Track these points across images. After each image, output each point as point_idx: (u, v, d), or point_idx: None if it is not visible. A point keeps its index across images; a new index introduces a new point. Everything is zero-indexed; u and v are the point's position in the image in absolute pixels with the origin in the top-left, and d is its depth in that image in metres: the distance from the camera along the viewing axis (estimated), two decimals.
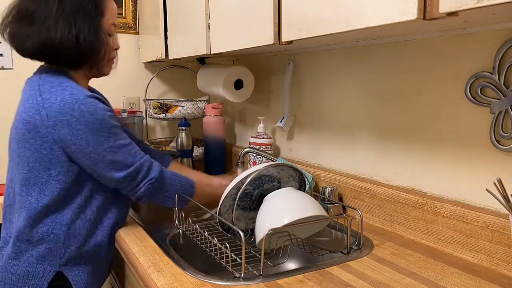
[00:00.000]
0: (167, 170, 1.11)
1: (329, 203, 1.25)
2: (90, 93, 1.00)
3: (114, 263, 1.28)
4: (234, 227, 0.90)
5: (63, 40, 0.99)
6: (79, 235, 1.03)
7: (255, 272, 0.87)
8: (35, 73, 1.07)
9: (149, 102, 1.90)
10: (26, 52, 1.03)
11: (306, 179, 1.06)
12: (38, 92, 0.99)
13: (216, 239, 0.95)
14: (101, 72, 1.13)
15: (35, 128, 0.97)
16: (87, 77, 1.13)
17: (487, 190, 0.79)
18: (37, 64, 1.10)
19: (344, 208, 1.26)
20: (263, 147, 1.53)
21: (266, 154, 1.41)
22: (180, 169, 1.24)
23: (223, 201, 1.00)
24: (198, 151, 1.99)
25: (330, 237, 1.14)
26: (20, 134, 0.99)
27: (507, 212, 0.87)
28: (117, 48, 1.14)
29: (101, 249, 1.08)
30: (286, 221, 0.90)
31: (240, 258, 0.87)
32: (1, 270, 1.02)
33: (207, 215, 1.34)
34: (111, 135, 1.00)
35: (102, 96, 1.14)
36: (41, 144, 0.98)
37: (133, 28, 1.96)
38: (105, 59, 1.10)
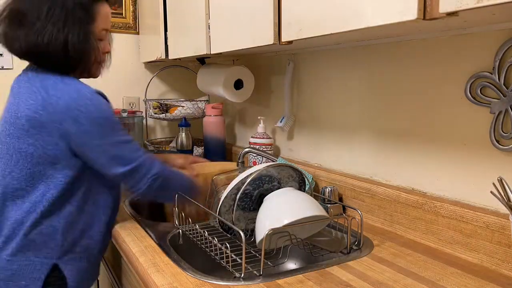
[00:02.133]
0: (168, 167, 1.12)
1: (329, 203, 1.25)
2: (95, 90, 1.02)
3: (108, 262, 1.28)
4: (235, 227, 0.90)
5: (50, 45, 0.99)
6: (76, 229, 1.04)
7: (255, 272, 0.87)
8: (26, 71, 1.07)
9: (149, 102, 1.90)
10: (15, 53, 1.04)
11: (306, 179, 1.06)
12: (42, 88, 0.99)
13: (216, 239, 0.95)
14: (91, 75, 1.13)
15: (41, 124, 0.97)
16: (77, 78, 1.10)
17: (491, 192, 0.79)
18: None
19: (344, 208, 1.26)
20: (263, 147, 1.53)
21: (266, 154, 1.41)
22: None
23: (223, 201, 1.00)
24: (198, 151, 1.99)
25: (330, 237, 1.14)
26: (22, 131, 0.99)
27: (507, 212, 0.87)
28: (107, 52, 1.14)
29: (95, 246, 1.08)
30: (286, 221, 0.90)
31: (240, 258, 0.87)
32: None
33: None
34: (115, 131, 1.02)
35: (104, 94, 1.15)
36: (47, 140, 0.98)
37: (133, 28, 1.95)
38: (95, 63, 1.10)
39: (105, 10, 1.08)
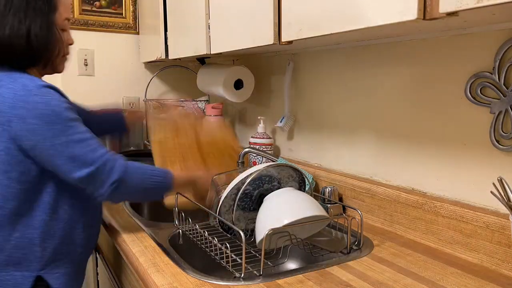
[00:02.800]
0: (133, 165, 1.00)
1: (329, 203, 1.25)
2: (44, 83, 0.93)
3: (108, 262, 1.28)
4: (235, 227, 0.90)
5: (12, 37, 0.93)
6: (54, 237, 0.98)
7: (255, 272, 0.87)
8: None
9: (149, 102, 1.90)
10: None
11: (306, 179, 1.06)
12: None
13: (216, 239, 0.95)
14: (55, 69, 1.05)
15: None
16: (40, 75, 1.05)
17: (491, 192, 0.79)
18: None
19: (344, 208, 1.26)
20: (263, 147, 1.53)
21: (266, 154, 1.41)
22: None
23: (223, 201, 1.00)
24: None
25: (330, 237, 1.14)
26: None
27: (507, 212, 0.87)
28: (71, 44, 1.07)
29: (78, 249, 1.03)
30: (286, 221, 0.90)
31: (240, 258, 0.87)
32: None
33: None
34: (68, 128, 0.91)
35: (58, 88, 1.01)
36: None
37: (133, 28, 1.95)
38: (59, 56, 1.03)
39: (65, 1, 1.02)
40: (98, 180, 0.94)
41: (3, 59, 0.96)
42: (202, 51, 1.36)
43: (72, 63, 1.80)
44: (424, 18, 0.69)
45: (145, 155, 1.59)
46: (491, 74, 0.90)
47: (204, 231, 1.01)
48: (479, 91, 0.93)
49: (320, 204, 1.05)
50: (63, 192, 0.98)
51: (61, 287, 1.00)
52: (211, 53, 1.31)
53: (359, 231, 1.02)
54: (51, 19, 0.98)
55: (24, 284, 0.95)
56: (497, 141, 0.90)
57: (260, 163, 1.53)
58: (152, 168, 1.05)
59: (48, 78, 1.04)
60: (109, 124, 1.31)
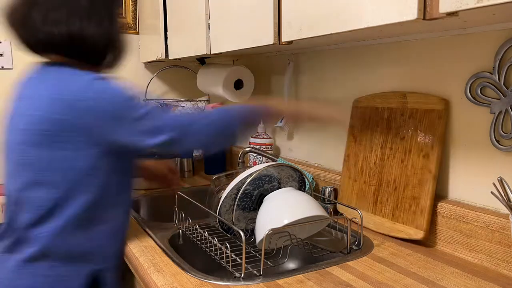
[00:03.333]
0: (196, 117, 1.00)
1: (329, 203, 1.25)
2: (100, 75, 0.95)
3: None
4: (235, 227, 0.90)
5: (96, 34, 0.95)
6: (120, 233, 1.01)
7: (255, 272, 0.87)
8: (35, 73, 1.00)
9: (149, 102, 1.90)
10: (46, 41, 0.95)
11: (306, 179, 1.06)
12: (57, 87, 0.92)
13: (216, 239, 0.95)
14: (108, 68, 1.07)
15: (62, 126, 0.90)
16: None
17: (491, 192, 0.79)
18: None
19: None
20: (263, 147, 1.53)
21: (266, 154, 1.41)
22: None
23: (223, 201, 1.00)
24: (198, 151, 1.99)
25: (330, 237, 1.14)
26: (42, 136, 0.91)
27: (507, 212, 0.87)
28: (125, 50, 1.11)
29: (119, 251, 1.04)
30: (286, 221, 0.90)
31: (240, 258, 0.87)
32: (33, 274, 0.94)
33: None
34: (134, 108, 0.93)
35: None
36: (74, 142, 0.91)
37: (133, 28, 1.95)
38: (116, 58, 1.07)
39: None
40: (182, 139, 0.95)
41: (73, 54, 0.98)
42: (202, 51, 1.36)
43: None
44: (424, 18, 0.69)
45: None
46: (491, 74, 0.90)
47: (204, 231, 1.01)
48: (479, 91, 0.93)
49: (320, 204, 1.05)
50: (121, 191, 1.00)
51: (112, 284, 1.00)
52: (211, 53, 1.31)
53: (359, 231, 1.02)
54: (117, 17, 1.03)
55: (79, 279, 0.95)
56: (497, 141, 0.90)
57: (260, 163, 1.53)
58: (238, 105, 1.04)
59: None
60: None
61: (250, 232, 1.04)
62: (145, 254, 0.97)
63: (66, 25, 0.93)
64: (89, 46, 0.96)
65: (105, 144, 0.94)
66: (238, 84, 1.61)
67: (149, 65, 2.01)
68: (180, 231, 1.13)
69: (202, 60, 1.79)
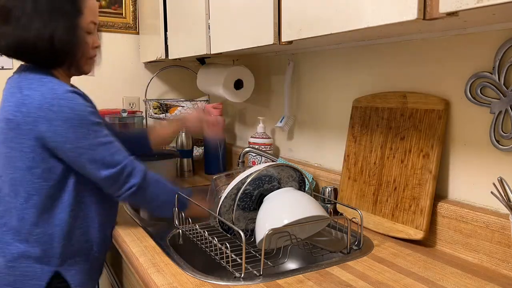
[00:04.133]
0: (152, 175, 1.07)
1: (329, 203, 1.25)
2: (70, 88, 0.97)
3: (108, 262, 1.28)
4: (235, 227, 0.90)
5: (37, 40, 0.96)
6: (73, 234, 1.02)
7: (255, 272, 0.87)
8: (15, 72, 1.04)
9: (149, 102, 1.90)
10: (2, 51, 1.00)
11: (306, 179, 1.06)
12: (18, 89, 0.96)
13: (216, 239, 0.95)
14: (81, 70, 1.09)
15: (17, 126, 0.95)
16: (67, 76, 1.09)
17: (491, 192, 0.79)
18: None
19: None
20: (263, 147, 1.53)
21: (266, 154, 1.41)
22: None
23: (223, 201, 1.00)
24: (198, 151, 1.99)
25: (330, 237, 1.14)
26: (4, 134, 0.97)
27: (507, 212, 0.87)
28: (97, 46, 1.10)
29: (94, 247, 1.06)
30: (286, 221, 0.90)
31: (240, 258, 0.87)
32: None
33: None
34: (91, 132, 0.97)
35: (83, 93, 1.06)
36: (22, 142, 0.95)
37: (133, 28, 1.95)
38: (83, 58, 1.06)
39: (92, 2, 1.05)
40: (118, 182, 1.01)
41: (28, 59, 1.01)
42: (202, 51, 1.36)
43: None
44: (424, 18, 0.69)
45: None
46: (491, 74, 0.90)
47: (204, 231, 1.01)
48: (479, 91, 0.93)
49: (320, 204, 1.05)
50: (84, 191, 1.03)
51: (78, 284, 1.03)
52: (211, 53, 1.31)
53: (359, 231, 1.02)
54: (76, 23, 1.01)
55: (43, 277, 0.99)
56: (497, 141, 0.90)
57: (260, 163, 1.53)
58: (171, 183, 1.12)
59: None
60: (133, 145, 1.29)
61: (250, 232, 1.04)
62: (145, 254, 0.97)
63: (13, 31, 0.96)
64: (32, 52, 0.97)
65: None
66: (238, 84, 1.61)
67: (149, 65, 2.01)
68: (180, 231, 1.13)
69: (202, 60, 1.79)
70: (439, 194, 1.03)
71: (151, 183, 1.06)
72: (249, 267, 0.88)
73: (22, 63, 1.06)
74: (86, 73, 1.11)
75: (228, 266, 0.88)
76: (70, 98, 0.95)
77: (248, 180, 0.97)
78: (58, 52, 0.98)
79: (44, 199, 0.98)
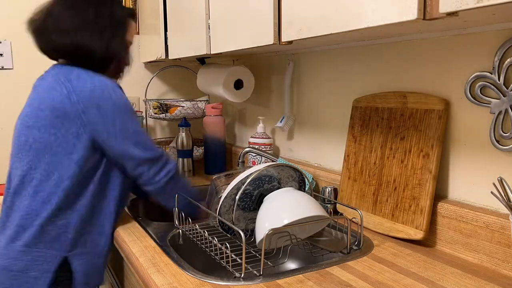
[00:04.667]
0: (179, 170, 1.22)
1: (329, 203, 1.25)
2: (115, 82, 1.09)
3: (108, 262, 1.28)
4: (235, 227, 0.90)
5: (97, 47, 1.09)
6: (88, 224, 1.07)
7: (255, 272, 0.87)
8: (49, 70, 1.11)
9: (149, 102, 1.90)
10: (54, 48, 1.09)
11: (306, 179, 1.06)
12: (66, 80, 1.04)
13: (216, 239, 0.95)
14: (118, 75, 1.23)
15: (64, 114, 1.02)
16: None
17: (491, 192, 0.79)
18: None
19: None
20: (263, 147, 1.53)
21: (266, 154, 1.41)
22: None
23: (223, 201, 1.00)
24: (198, 151, 1.99)
25: (330, 237, 1.14)
26: (45, 120, 1.03)
27: (507, 212, 0.87)
28: (127, 64, 1.24)
29: (105, 242, 1.11)
30: (286, 221, 0.90)
31: (240, 258, 0.87)
32: (10, 256, 1.02)
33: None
34: (134, 119, 1.09)
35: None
36: (68, 129, 1.03)
37: None
38: (125, 66, 1.22)
39: (134, 25, 1.23)
40: (157, 165, 1.11)
41: (79, 61, 1.11)
42: (202, 51, 1.36)
43: None
44: (424, 18, 0.69)
45: None
46: (491, 74, 0.90)
47: (204, 231, 1.01)
48: (479, 91, 0.93)
49: (320, 204, 1.05)
50: (105, 184, 1.10)
51: (83, 274, 1.07)
52: (211, 53, 1.31)
53: (359, 231, 1.02)
54: (124, 36, 1.18)
55: (52, 262, 1.03)
56: (497, 141, 0.90)
57: (260, 163, 1.53)
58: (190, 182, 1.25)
59: None
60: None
61: (250, 232, 1.04)
62: (145, 254, 0.97)
63: (71, 36, 1.07)
64: (89, 55, 1.09)
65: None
66: (238, 84, 1.61)
67: (149, 65, 2.01)
68: (180, 231, 1.13)
69: (202, 60, 1.79)
70: (439, 194, 1.03)
71: (181, 176, 1.18)
72: (249, 267, 0.88)
73: (54, 62, 1.16)
74: (120, 78, 1.26)
75: (228, 266, 0.88)
76: (117, 90, 1.07)
77: (248, 180, 0.97)
78: (109, 59, 1.13)
79: (74, 185, 1.04)
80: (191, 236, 1.09)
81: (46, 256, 1.03)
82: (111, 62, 1.15)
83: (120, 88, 1.10)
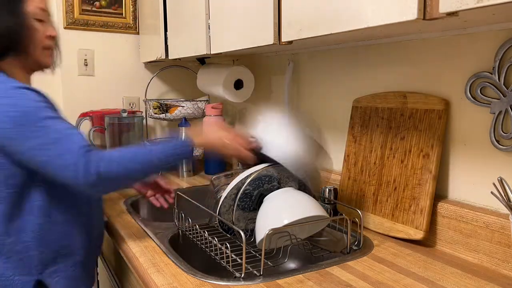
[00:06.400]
0: (113, 154, 0.92)
1: (329, 203, 1.24)
2: (17, 84, 0.89)
3: (108, 262, 1.28)
4: (235, 227, 0.90)
5: None
6: (51, 240, 0.96)
7: (255, 272, 0.87)
8: None
9: (149, 102, 1.90)
10: None
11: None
12: None
13: (216, 239, 0.95)
14: (38, 62, 1.00)
15: None
16: (25, 71, 1.01)
17: (491, 192, 0.79)
18: None
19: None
20: None
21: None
22: None
23: (223, 201, 1.00)
24: (198, 151, 1.99)
25: (330, 237, 1.14)
26: None
27: (507, 212, 0.87)
28: (51, 35, 1.01)
29: (78, 252, 1.01)
30: (286, 221, 0.90)
31: (240, 258, 0.87)
32: None
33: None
34: (38, 129, 0.87)
35: (35, 89, 0.95)
36: None
37: (133, 28, 1.95)
38: (37, 48, 0.98)
39: None
40: (77, 177, 0.87)
41: None
42: (202, 51, 1.36)
43: (72, 63, 1.80)
44: (424, 18, 0.69)
45: None
46: (491, 74, 0.90)
47: (204, 231, 1.01)
48: (479, 91, 0.93)
49: (320, 204, 1.05)
50: (54, 194, 0.96)
51: None
52: (211, 53, 1.31)
53: (359, 231, 1.02)
54: (19, 8, 0.93)
55: None
56: (497, 141, 0.90)
57: None
58: (137, 148, 0.96)
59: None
60: None
61: (250, 232, 1.04)
62: (145, 254, 0.97)
63: None
64: None
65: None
66: (238, 84, 1.61)
67: (149, 65, 2.01)
68: (180, 231, 1.13)
69: (202, 60, 1.79)
70: (439, 194, 1.03)
71: (114, 162, 0.90)
72: (249, 267, 0.88)
73: None
74: (45, 66, 1.03)
75: (228, 266, 0.88)
76: (11, 95, 0.87)
77: (248, 180, 0.97)
78: (4, 40, 0.91)
79: (11, 206, 0.92)
80: (191, 236, 1.08)
81: (16, 283, 0.93)
82: (9, 43, 0.92)
83: (30, 89, 0.90)
